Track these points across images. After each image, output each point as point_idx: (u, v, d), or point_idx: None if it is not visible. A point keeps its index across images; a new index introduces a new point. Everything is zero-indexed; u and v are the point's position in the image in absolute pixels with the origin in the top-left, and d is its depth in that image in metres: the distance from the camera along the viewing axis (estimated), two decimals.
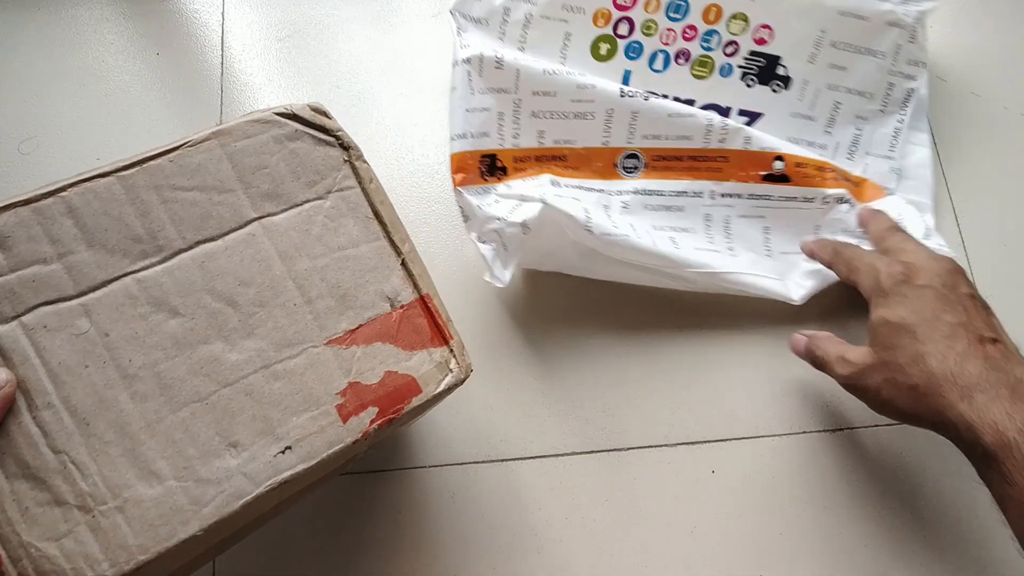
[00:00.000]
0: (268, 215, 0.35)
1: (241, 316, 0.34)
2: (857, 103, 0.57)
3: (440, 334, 0.37)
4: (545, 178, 0.50)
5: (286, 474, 0.33)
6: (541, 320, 0.54)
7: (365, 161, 0.38)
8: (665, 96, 0.54)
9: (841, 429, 0.52)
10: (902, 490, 0.50)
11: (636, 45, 0.55)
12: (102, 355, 0.32)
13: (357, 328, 0.35)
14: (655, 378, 0.53)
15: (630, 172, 0.53)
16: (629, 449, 0.51)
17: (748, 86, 0.56)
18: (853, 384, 0.43)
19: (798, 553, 0.49)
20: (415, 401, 0.35)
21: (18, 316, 0.31)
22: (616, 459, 0.51)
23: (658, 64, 0.55)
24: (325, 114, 0.38)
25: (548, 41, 0.53)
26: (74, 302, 0.32)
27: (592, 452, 0.51)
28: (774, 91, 0.56)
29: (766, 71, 0.56)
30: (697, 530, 0.49)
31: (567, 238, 0.50)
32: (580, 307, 0.54)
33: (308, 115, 0.37)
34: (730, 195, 0.53)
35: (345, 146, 0.38)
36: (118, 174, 0.34)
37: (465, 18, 0.52)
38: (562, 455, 0.51)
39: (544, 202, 0.48)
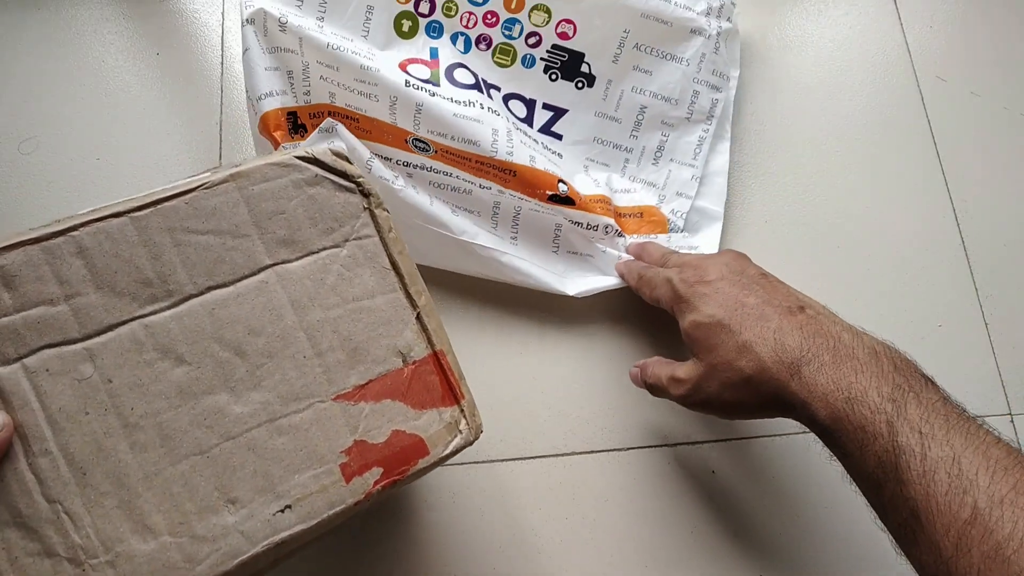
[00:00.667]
0: (283, 262, 0.34)
1: (249, 367, 0.33)
2: (662, 108, 0.57)
3: (452, 393, 0.36)
4: (332, 122, 0.49)
5: (284, 534, 0.31)
6: (540, 320, 0.54)
7: (385, 209, 0.36)
8: (472, 72, 0.53)
9: None
10: None
11: (436, 25, 0.54)
12: (104, 402, 0.31)
13: (367, 383, 0.34)
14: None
15: (421, 151, 0.51)
16: (629, 449, 0.51)
17: (552, 79, 0.56)
18: (693, 400, 0.42)
19: (798, 553, 0.49)
20: (421, 463, 0.34)
21: (21, 358, 0.30)
22: (616, 459, 0.51)
23: (459, 46, 0.55)
24: (347, 159, 0.36)
25: (349, 13, 0.52)
26: (79, 346, 0.31)
27: (592, 452, 0.51)
28: (578, 87, 0.56)
29: (569, 66, 0.55)
30: (697, 530, 0.49)
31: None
32: (579, 307, 0.54)
33: (329, 159, 0.36)
34: (519, 196, 0.52)
35: (365, 193, 0.36)
36: (131, 215, 0.32)
37: None
38: (562, 455, 0.51)
39: (341, 136, 0.47)
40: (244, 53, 0.49)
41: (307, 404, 0.33)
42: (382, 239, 0.36)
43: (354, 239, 0.36)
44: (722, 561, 0.49)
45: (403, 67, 0.51)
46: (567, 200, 0.51)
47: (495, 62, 0.55)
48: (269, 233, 0.34)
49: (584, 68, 0.55)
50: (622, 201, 0.55)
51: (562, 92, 0.56)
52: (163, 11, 0.62)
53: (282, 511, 0.32)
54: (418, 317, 0.36)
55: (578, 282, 0.52)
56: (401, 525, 0.49)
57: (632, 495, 0.50)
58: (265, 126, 0.48)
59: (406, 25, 0.53)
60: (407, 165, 0.52)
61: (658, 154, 0.57)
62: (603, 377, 0.53)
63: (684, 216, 0.55)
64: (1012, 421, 0.53)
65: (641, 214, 0.55)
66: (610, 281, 0.52)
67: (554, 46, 0.55)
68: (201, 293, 0.33)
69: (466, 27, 0.54)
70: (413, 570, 0.48)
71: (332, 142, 0.47)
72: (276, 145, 0.48)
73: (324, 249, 0.35)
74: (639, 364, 0.47)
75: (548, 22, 0.54)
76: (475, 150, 0.50)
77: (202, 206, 0.33)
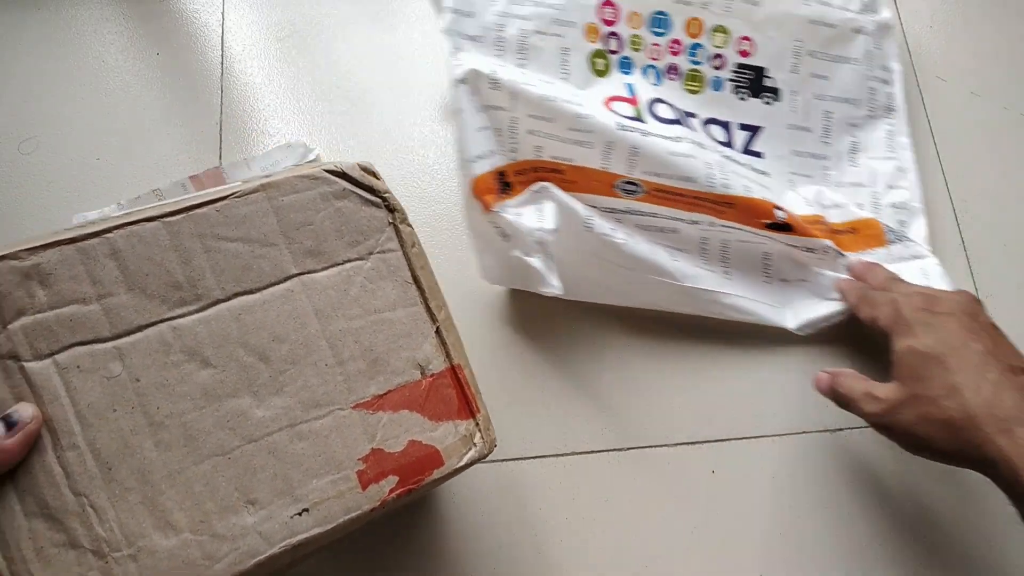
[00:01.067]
0: (309, 272, 0.35)
1: (272, 372, 0.34)
2: (846, 111, 0.57)
3: (468, 406, 0.37)
4: (543, 184, 0.50)
5: (300, 537, 0.32)
6: (541, 320, 0.54)
7: (409, 225, 0.38)
8: (670, 105, 0.54)
9: (841, 429, 0.52)
10: (902, 490, 0.50)
11: (627, 60, 0.55)
12: (131, 400, 0.32)
13: (386, 394, 0.35)
14: (655, 378, 0.53)
15: (629, 194, 0.52)
16: (629, 449, 0.51)
17: (741, 99, 0.57)
18: (883, 422, 0.41)
19: (798, 553, 0.49)
20: (436, 473, 0.35)
21: (53, 354, 0.31)
22: (616, 459, 0.51)
23: (651, 79, 0.55)
24: (374, 174, 0.38)
25: (547, 56, 0.53)
26: (109, 344, 0.32)
27: (592, 452, 0.51)
28: (766, 103, 0.57)
29: (755, 83, 0.56)
30: (697, 530, 0.49)
31: (572, 243, 0.49)
32: (580, 308, 0.54)
33: (357, 174, 0.37)
34: (730, 227, 0.53)
35: (391, 208, 0.37)
36: (164, 219, 0.33)
37: (460, 36, 0.51)
38: (562, 455, 0.51)
39: (553, 198, 0.47)
40: (457, 114, 0.48)
41: (327, 411, 0.34)
42: (405, 254, 0.37)
43: (378, 252, 0.37)
44: (722, 561, 0.49)
45: (608, 105, 0.52)
46: (785, 227, 0.52)
47: (687, 89, 0.56)
48: (296, 243, 0.35)
49: (767, 82, 0.56)
50: (835, 217, 0.55)
51: (753, 110, 0.57)
52: (163, 11, 0.62)
53: (300, 514, 0.33)
54: (437, 331, 0.37)
55: (798, 314, 0.53)
56: (401, 525, 0.49)
57: (632, 495, 0.50)
58: (477, 189, 0.48)
59: (600, 63, 0.54)
60: (612, 211, 0.52)
61: (853, 155, 0.57)
62: (603, 377, 0.53)
63: (903, 215, 0.55)
64: None
65: (855, 229, 0.55)
66: (829, 308, 0.52)
67: (738, 65, 0.56)
68: (229, 298, 0.34)
69: (653, 59, 0.55)
70: (412, 570, 0.48)
71: (544, 203, 0.48)
72: (487, 208, 0.47)
73: (349, 261, 0.36)
74: (831, 371, 0.46)
75: (728, 42, 0.55)
76: (691, 186, 0.51)
77: (233, 214, 0.34)
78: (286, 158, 0.57)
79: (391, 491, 0.34)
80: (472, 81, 0.49)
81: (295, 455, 0.33)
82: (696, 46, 0.55)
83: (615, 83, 0.54)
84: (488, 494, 0.50)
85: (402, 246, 0.37)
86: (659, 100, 0.54)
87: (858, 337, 0.52)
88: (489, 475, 0.50)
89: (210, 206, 0.34)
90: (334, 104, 0.60)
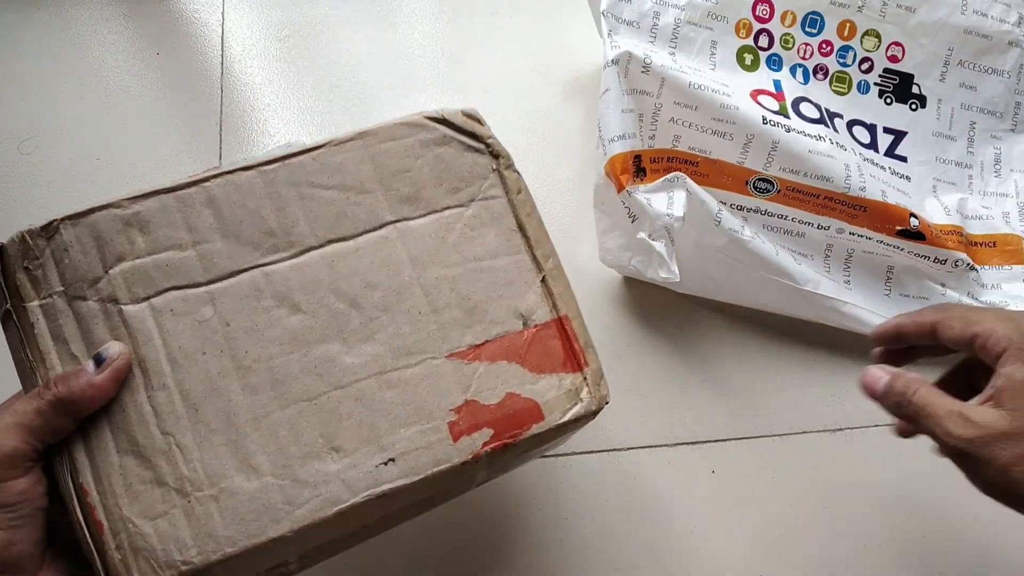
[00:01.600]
0: (404, 219, 0.35)
1: (363, 319, 0.33)
2: (990, 123, 0.58)
3: (575, 359, 0.35)
4: (677, 174, 0.50)
5: (385, 487, 0.32)
6: (653, 308, 0.54)
7: (515, 171, 0.36)
8: (816, 104, 0.54)
9: (841, 429, 0.52)
10: (902, 490, 0.50)
11: (776, 57, 0.56)
12: (220, 344, 0.32)
13: (483, 344, 0.34)
14: (656, 378, 0.53)
15: (761, 192, 0.52)
16: (629, 449, 0.51)
17: (887, 103, 0.57)
18: (972, 451, 0.33)
19: (798, 553, 0.49)
20: (535, 428, 0.33)
21: (148, 298, 0.32)
22: (616, 459, 0.51)
23: (799, 78, 0.56)
24: (479, 120, 0.37)
25: (697, 46, 0.54)
26: (202, 289, 0.32)
27: (592, 452, 0.51)
28: (912, 109, 0.57)
29: (901, 89, 0.57)
30: (697, 530, 0.49)
31: (697, 235, 0.50)
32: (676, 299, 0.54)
33: (460, 120, 0.36)
34: (858, 235, 0.53)
35: (495, 154, 0.36)
36: (260, 168, 0.34)
37: (617, 20, 0.52)
38: (562, 455, 0.51)
39: (687, 189, 0.48)
40: (603, 94, 0.49)
41: (419, 360, 0.33)
42: (510, 200, 0.36)
43: (480, 199, 0.36)
44: (722, 561, 0.49)
45: (754, 97, 0.52)
46: (918, 235, 0.52)
47: (833, 90, 0.56)
48: (393, 190, 0.35)
49: (915, 89, 0.57)
50: (975, 229, 0.55)
51: (899, 115, 0.57)
52: (163, 11, 0.62)
53: (385, 464, 0.32)
54: (543, 280, 0.35)
55: None
56: (400, 526, 0.49)
57: (632, 495, 0.50)
58: (612, 168, 0.49)
59: (748, 59, 0.55)
60: (741, 208, 0.52)
61: (997, 166, 0.58)
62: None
63: None
64: None
65: (995, 243, 0.55)
66: None
67: (885, 70, 0.56)
68: (322, 246, 0.34)
69: (803, 58, 0.56)
70: (411, 569, 0.48)
71: (675, 192, 0.48)
72: (620, 188, 0.48)
73: (448, 208, 0.35)
74: (893, 371, 0.37)
75: (879, 47, 0.56)
76: (827, 186, 0.51)
77: (328, 162, 0.35)
78: None
79: (484, 444, 0.33)
80: (624, 63, 0.50)
81: (383, 403, 0.32)
82: (846, 48, 0.56)
83: (763, 77, 0.55)
84: (488, 494, 0.50)
85: (506, 192, 0.36)
86: (805, 99, 0.54)
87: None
88: None
89: (306, 154, 0.34)
90: (334, 104, 0.60)
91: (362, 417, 0.32)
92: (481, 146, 0.36)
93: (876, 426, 0.52)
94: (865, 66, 0.56)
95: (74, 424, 0.30)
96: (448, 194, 0.35)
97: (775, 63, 0.55)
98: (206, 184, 0.33)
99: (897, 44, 0.56)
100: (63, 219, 0.32)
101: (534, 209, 0.36)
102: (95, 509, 0.30)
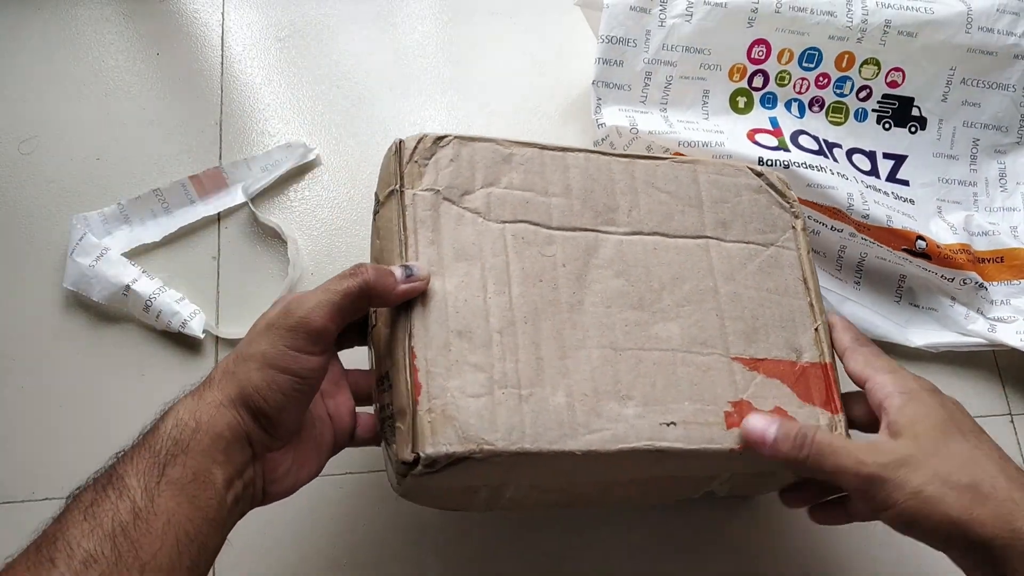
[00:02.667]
0: (718, 238, 0.41)
1: (671, 302, 0.38)
2: (994, 137, 0.58)
3: (833, 402, 0.39)
4: None
5: (663, 444, 0.35)
6: None
7: (807, 233, 0.43)
8: (814, 136, 0.54)
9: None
10: None
11: (770, 96, 0.56)
12: (554, 278, 0.37)
13: (763, 359, 0.39)
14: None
15: None
16: None
17: (885, 129, 0.57)
18: (887, 475, 0.33)
19: (798, 553, 0.49)
20: None
21: (506, 222, 0.38)
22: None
23: (794, 112, 0.56)
24: (788, 185, 0.43)
25: (689, 99, 0.55)
26: (549, 231, 0.38)
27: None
28: (911, 132, 0.57)
29: (901, 113, 0.57)
30: (697, 530, 0.49)
31: None
32: None
33: (775, 180, 0.43)
34: (870, 242, 0.53)
35: (796, 215, 0.43)
36: (618, 158, 0.41)
37: (607, 86, 0.53)
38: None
39: None
40: None
41: (710, 352, 0.38)
42: (800, 255, 0.42)
43: (778, 246, 0.42)
44: (723, 562, 0.49)
45: (751, 137, 0.53)
46: (924, 256, 0.52)
47: (829, 121, 0.57)
48: (713, 213, 0.41)
49: (915, 112, 0.57)
50: (981, 245, 0.55)
51: (898, 139, 0.57)
52: (163, 11, 0.62)
53: (668, 425, 0.35)
54: (817, 329, 0.40)
55: (926, 335, 0.53)
56: (402, 524, 0.49)
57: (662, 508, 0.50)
58: None
59: (741, 102, 0.56)
60: None
61: (1003, 180, 0.58)
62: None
63: None
64: (1012, 421, 0.53)
65: (1002, 258, 0.55)
66: (955, 338, 0.52)
67: (884, 96, 0.57)
68: (650, 233, 0.40)
69: (799, 93, 0.56)
70: (414, 570, 0.48)
71: None
72: None
73: (752, 243, 0.41)
74: (779, 420, 0.36)
75: (878, 74, 0.56)
76: (833, 206, 0.51)
77: (667, 172, 0.41)
78: (286, 158, 0.57)
79: None
80: (612, 137, 0.53)
81: (675, 375, 0.37)
82: (844, 79, 0.56)
83: (758, 117, 0.55)
84: None
85: (798, 248, 0.42)
86: (803, 131, 0.54)
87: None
88: None
89: (651, 160, 0.41)
90: (334, 104, 0.60)
91: (656, 380, 0.36)
92: (787, 204, 0.43)
93: None
94: (863, 94, 0.56)
95: (365, 312, 0.35)
96: (755, 232, 0.42)
97: (769, 101, 0.56)
98: (570, 152, 0.40)
99: (897, 69, 0.56)
100: (456, 137, 0.39)
101: (815, 271, 0.42)
102: (418, 372, 0.33)
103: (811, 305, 0.41)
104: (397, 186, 0.37)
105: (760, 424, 0.36)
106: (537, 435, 0.33)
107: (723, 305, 0.39)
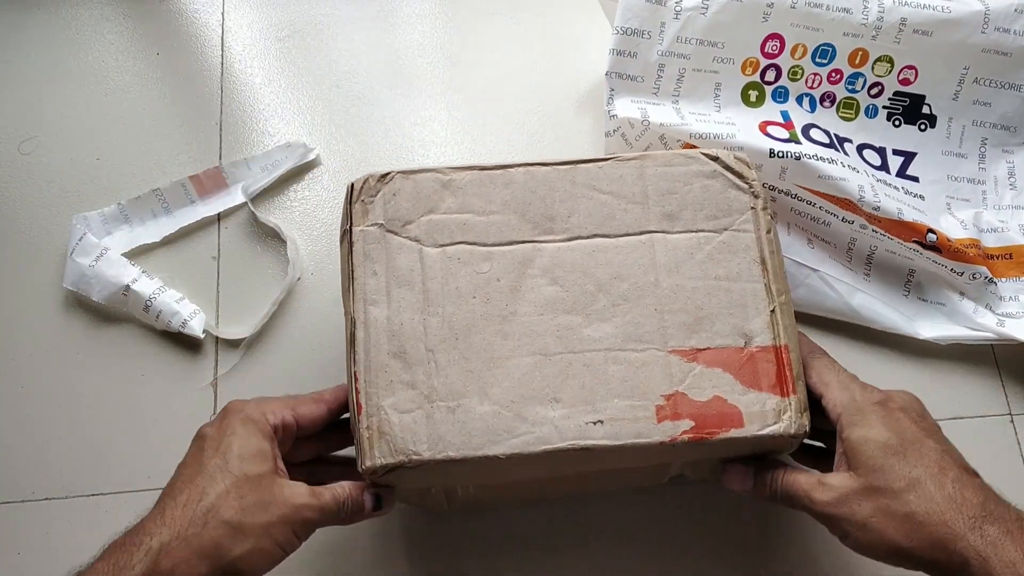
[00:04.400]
0: (664, 231, 0.40)
1: (607, 303, 0.39)
2: (1001, 137, 0.58)
3: (784, 385, 0.38)
4: None
5: (589, 442, 0.36)
6: None
7: (770, 213, 0.41)
8: (824, 131, 0.54)
9: None
10: None
11: (782, 90, 0.56)
12: (488, 293, 0.39)
13: (705, 349, 0.38)
14: None
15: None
16: None
17: (895, 126, 0.57)
18: (834, 512, 0.36)
19: (798, 553, 0.49)
20: (732, 432, 0.37)
21: (443, 245, 0.39)
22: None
23: (805, 106, 0.56)
24: (747, 164, 0.42)
25: (701, 91, 0.55)
26: (486, 248, 0.39)
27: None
28: (921, 130, 0.57)
29: (911, 110, 0.57)
30: (697, 530, 0.49)
31: None
32: None
33: (731, 161, 0.42)
34: (881, 234, 0.53)
35: (755, 195, 0.41)
36: (556, 166, 0.41)
37: (620, 77, 0.53)
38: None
39: None
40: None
41: (644, 347, 0.38)
42: (759, 237, 0.41)
43: (733, 230, 0.41)
44: (722, 561, 0.49)
45: (763, 129, 0.53)
46: (935, 248, 0.52)
47: (840, 116, 0.57)
48: (659, 206, 0.41)
49: (925, 110, 0.57)
50: (990, 241, 0.55)
51: (907, 136, 0.57)
52: (163, 11, 0.62)
53: (595, 423, 0.37)
54: (773, 311, 0.39)
55: (934, 327, 0.53)
56: (402, 525, 0.49)
57: (632, 493, 0.50)
58: None
59: (753, 95, 0.56)
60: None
61: (1012, 179, 0.58)
62: None
63: None
64: (1012, 421, 0.53)
65: (1011, 255, 0.55)
66: (963, 332, 0.52)
67: (896, 93, 0.56)
68: (589, 237, 0.40)
69: (810, 88, 0.56)
70: (410, 569, 0.48)
71: None
72: None
73: (703, 231, 0.41)
74: (752, 469, 0.41)
75: (891, 71, 0.56)
76: (845, 197, 0.51)
77: (610, 173, 0.41)
78: (286, 158, 0.57)
79: (684, 432, 0.36)
80: (622, 131, 0.53)
81: (605, 374, 0.37)
82: (856, 75, 0.56)
83: (769, 111, 0.55)
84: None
85: (757, 229, 0.41)
86: (813, 125, 0.54)
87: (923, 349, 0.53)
88: None
89: (594, 163, 0.41)
90: (334, 104, 0.60)
91: (585, 381, 0.37)
92: (744, 186, 0.41)
93: None
94: (875, 91, 0.56)
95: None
96: (706, 219, 0.41)
97: (781, 95, 0.56)
98: (511, 170, 0.41)
99: (910, 67, 0.56)
100: (398, 172, 0.40)
101: (778, 249, 0.41)
102: (360, 394, 0.37)
103: (767, 287, 0.40)
104: (348, 226, 0.40)
105: (736, 476, 0.41)
106: (462, 443, 0.36)
107: (663, 299, 0.39)
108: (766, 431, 0.37)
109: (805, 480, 0.38)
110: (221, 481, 0.35)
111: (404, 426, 0.36)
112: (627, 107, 0.52)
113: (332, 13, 0.62)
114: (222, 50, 0.61)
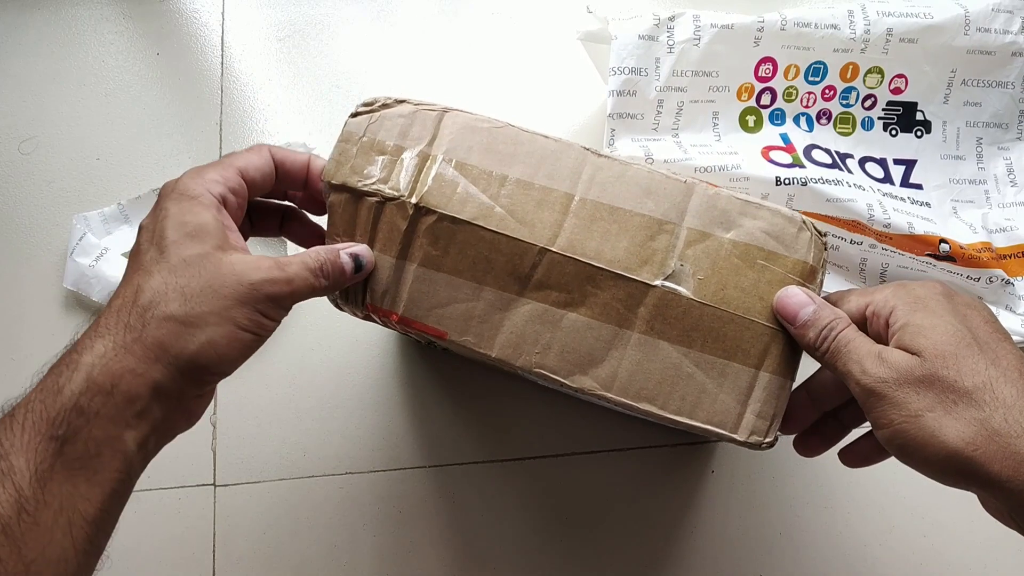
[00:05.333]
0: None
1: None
2: (995, 135, 0.58)
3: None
4: None
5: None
6: None
7: (826, 263, 0.37)
8: (825, 150, 0.55)
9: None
10: (902, 489, 0.50)
11: (779, 112, 0.56)
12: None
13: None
14: None
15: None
16: (629, 450, 0.51)
17: (892, 135, 0.58)
18: (887, 392, 0.31)
19: (798, 553, 0.49)
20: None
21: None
22: (616, 459, 0.51)
23: (803, 126, 0.56)
24: (820, 233, 0.37)
25: (699, 122, 0.55)
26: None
27: (592, 453, 0.51)
28: (917, 136, 0.58)
29: (905, 118, 0.57)
30: (697, 530, 0.49)
31: None
32: None
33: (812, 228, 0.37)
34: (891, 251, 0.53)
35: (824, 246, 0.37)
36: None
37: (621, 117, 0.53)
38: (562, 456, 0.51)
39: None
40: None
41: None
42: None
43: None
44: (722, 561, 0.49)
45: (765, 155, 0.53)
46: (948, 258, 0.52)
47: (838, 132, 0.57)
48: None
49: (919, 116, 0.58)
50: (1001, 242, 0.55)
51: (906, 144, 0.58)
52: (163, 11, 0.62)
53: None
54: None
55: None
56: (402, 525, 0.49)
57: (633, 494, 0.50)
58: None
59: (751, 120, 0.56)
60: None
61: (1012, 176, 0.58)
62: None
63: None
64: None
65: (1023, 253, 0.55)
66: None
67: (889, 102, 0.57)
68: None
69: (806, 107, 0.57)
70: (411, 569, 0.48)
71: None
72: None
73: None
74: (820, 302, 0.35)
75: (882, 82, 0.56)
76: (853, 218, 0.51)
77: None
78: None
79: None
80: None
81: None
82: (849, 89, 0.56)
83: (768, 135, 0.56)
84: (489, 494, 0.50)
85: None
86: (815, 145, 0.55)
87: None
88: (491, 475, 0.50)
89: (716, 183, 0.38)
90: (334, 104, 0.60)
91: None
92: (818, 234, 0.37)
93: None
94: (868, 103, 0.57)
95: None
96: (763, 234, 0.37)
97: (778, 118, 0.56)
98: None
99: (900, 76, 0.56)
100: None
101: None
102: None
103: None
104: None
105: (795, 300, 0.35)
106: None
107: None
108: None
109: (867, 344, 0.32)
110: (157, 273, 0.29)
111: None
112: (628, 147, 0.52)
113: (332, 13, 0.62)
114: (222, 50, 0.61)
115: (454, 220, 0.35)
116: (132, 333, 0.28)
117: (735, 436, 0.35)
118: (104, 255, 0.52)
